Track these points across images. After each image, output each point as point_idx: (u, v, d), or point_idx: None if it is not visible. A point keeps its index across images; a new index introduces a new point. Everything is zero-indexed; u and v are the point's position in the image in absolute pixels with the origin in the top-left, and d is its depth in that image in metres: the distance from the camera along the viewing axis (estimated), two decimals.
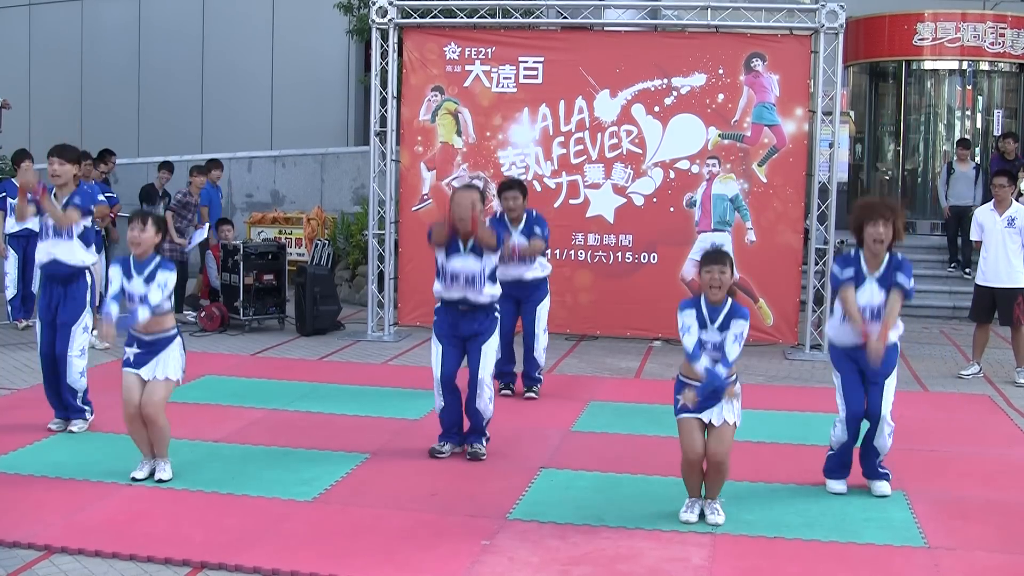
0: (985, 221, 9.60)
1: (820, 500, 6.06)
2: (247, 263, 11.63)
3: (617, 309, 11.05)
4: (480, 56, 11.16)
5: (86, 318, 7.18)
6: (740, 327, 5.56)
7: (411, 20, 11.30)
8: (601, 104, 11.00)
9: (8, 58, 22.72)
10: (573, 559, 5.14)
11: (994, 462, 6.95)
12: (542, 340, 8.49)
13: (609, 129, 11.00)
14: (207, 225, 12.34)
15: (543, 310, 8.48)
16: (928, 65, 15.80)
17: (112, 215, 12.12)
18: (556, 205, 11.10)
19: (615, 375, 9.68)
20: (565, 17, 11.79)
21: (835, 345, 6.15)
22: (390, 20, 11.19)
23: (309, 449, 6.91)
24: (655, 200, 10.96)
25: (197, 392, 8.35)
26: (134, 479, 6.11)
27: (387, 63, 11.23)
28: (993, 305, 9.65)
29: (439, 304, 6.86)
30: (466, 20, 11.23)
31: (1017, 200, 9.83)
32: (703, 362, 5.52)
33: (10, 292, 11.43)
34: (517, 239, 8.17)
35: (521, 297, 8.31)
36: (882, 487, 6.13)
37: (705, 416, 5.59)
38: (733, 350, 5.55)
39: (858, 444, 6.13)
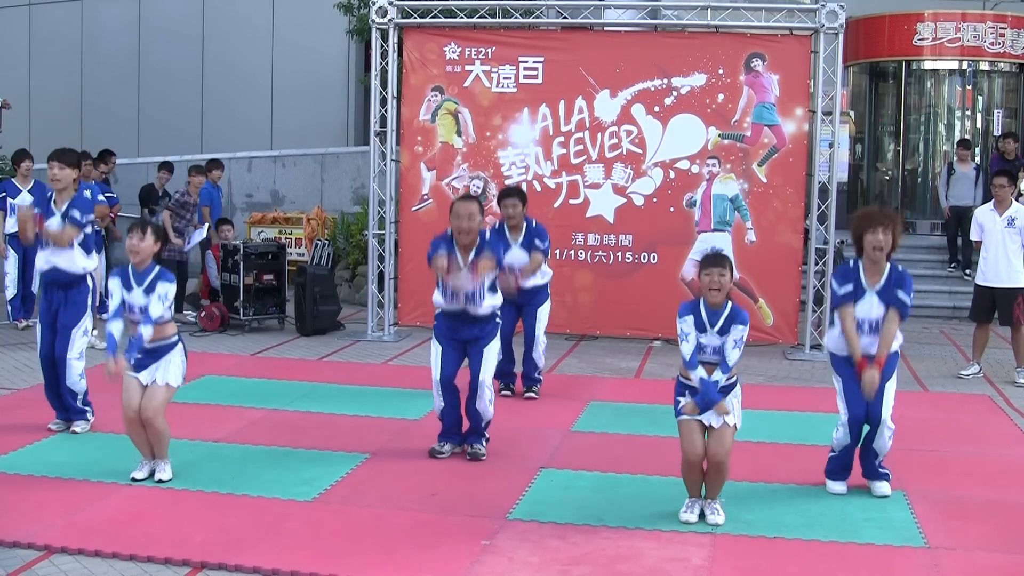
0: (985, 221, 9.60)
1: (820, 500, 6.06)
2: (247, 263, 11.63)
3: (617, 309, 11.05)
4: (480, 56, 11.16)
5: (86, 321, 7.20)
6: (740, 332, 5.57)
7: (411, 20, 11.31)
8: (601, 104, 11.00)
9: (8, 58, 22.72)
10: (573, 559, 5.14)
11: (994, 462, 6.95)
12: (542, 342, 8.50)
13: (609, 129, 11.00)
14: (206, 225, 12.33)
15: (543, 312, 8.49)
16: (928, 65, 15.80)
17: (112, 215, 12.12)
18: (556, 205, 11.10)
19: (615, 375, 9.68)
20: (565, 17, 11.79)
21: (835, 353, 6.16)
22: (390, 20, 11.19)
23: (309, 449, 6.91)
24: (655, 200, 10.96)
25: (197, 392, 8.35)
26: (134, 479, 6.12)
27: (387, 63, 11.23)
28: (993, 305, 9.65)
29: (439, 311, 6.86)
30: (466, 20, 11.23)
31: (1017, 200, 9.83)
32: (699, 372, 5.56)
33: (10, 292, 11.43)
34: (517, 253, 8.15)
35: (522, 302, 8.34)
36: (882, 487, 6.13)
37: (705, 418, 5.60)
38: (733, 355, 5.56)
39: (859, 445, 6.14)
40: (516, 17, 11.44)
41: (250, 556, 5.07)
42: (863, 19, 15.63)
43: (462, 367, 6.81)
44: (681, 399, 5.66)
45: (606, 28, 12.15)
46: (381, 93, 11.34)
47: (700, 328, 5.60)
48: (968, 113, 16.06)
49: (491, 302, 6.73)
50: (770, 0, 11.43)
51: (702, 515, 5.66)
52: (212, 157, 14.29)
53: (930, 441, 7.38)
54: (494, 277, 6.73)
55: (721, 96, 10.80)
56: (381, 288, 11.43)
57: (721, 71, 10.77)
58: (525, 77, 11.13)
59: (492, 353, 6.77)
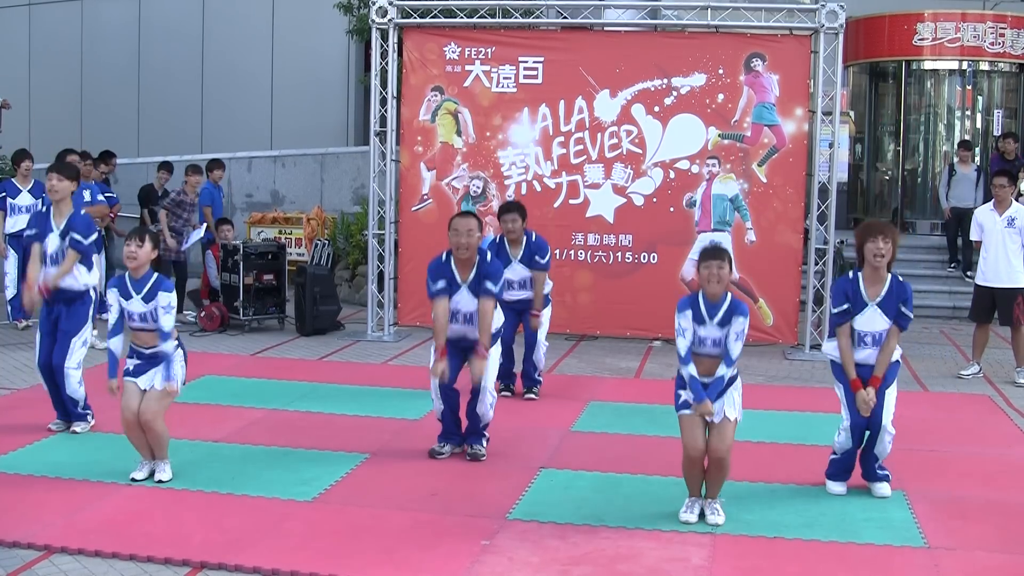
0: (985, 221, 9.60)
1: (820, 500, 6.06)
2: (247, 263, 11.63)
3: (617, 309, 11.05)
4: (480, 56, 11.16)
5: (86, 332, 7.23)
6: (741, 324, 5.57)
7: (411, 20, 11.31)
8: (601, 104, 11.00)
9: (8, 58, 22.72)
10: (573, 559, 5.14)
11: (994, 462, 6.95)
12: (543, 345, 8.52)
13: (609, 129, 11.00)
14: (204, 225, 12.33)
15: (544, 317, 8.50)
16: (928, 65, 15.79)
17: (112, 215, 12.12)
18: (556, 205, 11.10)
19: (615, 375, 9.68)
20: (565, 17, 11.79)
21: (836, 361, 6.17)
22: (390, 20, 11.19)
23: (309, 449, 6.91)
24: (655, 200, 10.96)
25: (197, 392, 8.34)
26: (133, 480, 6.12)
27: (387, 63, 11.23)
28: (993, 305, 9.64)
29: None
30: (466, 20, 11.23)
31: (1017, 200, 9.83)
32: (691, 369, 5.57)
33: (10, 292, 11.43)
34: (517, 267, 8.20)
35: (523, 309, 8.37)
36: (882, 488, 6.13)
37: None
38: (736, 348, 5.57)
39: (860, 448, 6.14)
40: (516, 17, 11.44)
41: (250, 556, 5.07)
42: (863, 19, 15.63)
43: (463, 369, 6.81)
44: (682, 392, 5.66)
45: (606, 28, 12.15)
46: (381, 93, 11.34)
47: (699, 320, 5.60)
48: (968, 113, 16.05)
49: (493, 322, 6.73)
50: (770, 0, 11.43)
51: (702, 515, 5.66)
52: (213, 157, 14.29)
53: (930, 441, 7.38)
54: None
55: (721, 96, 10.79)
56: (381, 288, 11.43)
57: (721, 71, 10.77)
58: (525, 77, 11.13)
59: (493, 359, 6.77)
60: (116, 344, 6.22)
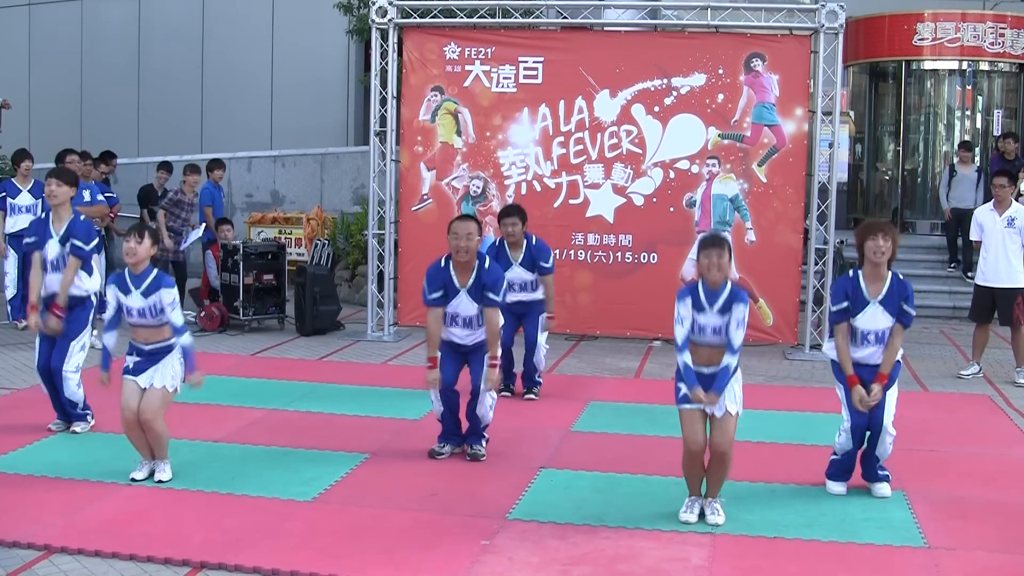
0: (985, 221, 9.60)
1: (820, 500, 6.06)
2: (247, 263, 11.63)
3: (617, 309, 11.05)
4: (480, 56, 11.16)
5: (85, 336, 7.24)
6: (741, 312, 5.57)
7: (411, 20, 11.31)
8: (601, 104, 11.00)
9: (8, 58, 22.72)
10: (573, 559, 5.14)
11: (994, 462, 6.95)
12: (542, 347, 8.53)
13: (609, 129, 11.00)
14: (203, 225, 12.33)
15: (544, 319, 8.50)
16: (928, 65, 15.79)
17: (112, 215, 12.12)
18: (556, 205, 11.10)
19: (615, 375, 9.68)
20: (565, 17, 11.79)
21: (836, 361, 6.16)
22: (390, 20, 11.20)
23: (309, 449, 6.91)
24: (655, 200, 10.96)
25: (197, 392, 8.32)
26: (133, 480, 6.12)
27: (387, 63, 11.24)
28: (993, 305, 9.64)
29: None
30: (466, 20, 11.23)
31: (1017, 200, 9.83)
32: (686, 357, 5.58)
33: (10, 292, 11.43)
34: (517, 270, 8.21)
35: (523, 312, 8.38)
36: (882, 489, 6.13)
37: (709, 407, 5.60)
38: (738, 336, 5.57)
39: (861, 448, 6.14)
40: (516, 17, 11.44)
41: (250, 556, 5.07)
42: (863, 19, 15.63)
43: (462, 371, 6.80)
44: (681, 386, 5.65)
45: (606, 28, 12.15)
46: (381, 93, 11.34)
47: (699, 308, 5.60)
48: (968, 113, 16.05)
49: None
50: (770, 0, 11.43)
51: (702, 515, 5.66)
52: (213, 157, 14.30)
53: (930, 441, 7.38)
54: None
55: (721, 96, 10.80)
56: (381, 288, 11.43)
57: (721, 71, 10.77)
58: (525, 77, 11.13)
59: None
60: (110, 339, 6.25)
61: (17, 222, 10.87)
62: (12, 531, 5.31)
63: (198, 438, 7.04)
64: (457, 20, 11.27)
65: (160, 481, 6.11)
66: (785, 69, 10.69)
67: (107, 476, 6.19)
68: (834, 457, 6.23)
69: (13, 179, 11.39)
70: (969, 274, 13.19)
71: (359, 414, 7.88)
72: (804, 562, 5.19)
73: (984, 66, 15.58)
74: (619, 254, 11.06)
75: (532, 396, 8.52)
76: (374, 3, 11.22)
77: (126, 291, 6.13)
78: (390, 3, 11.15)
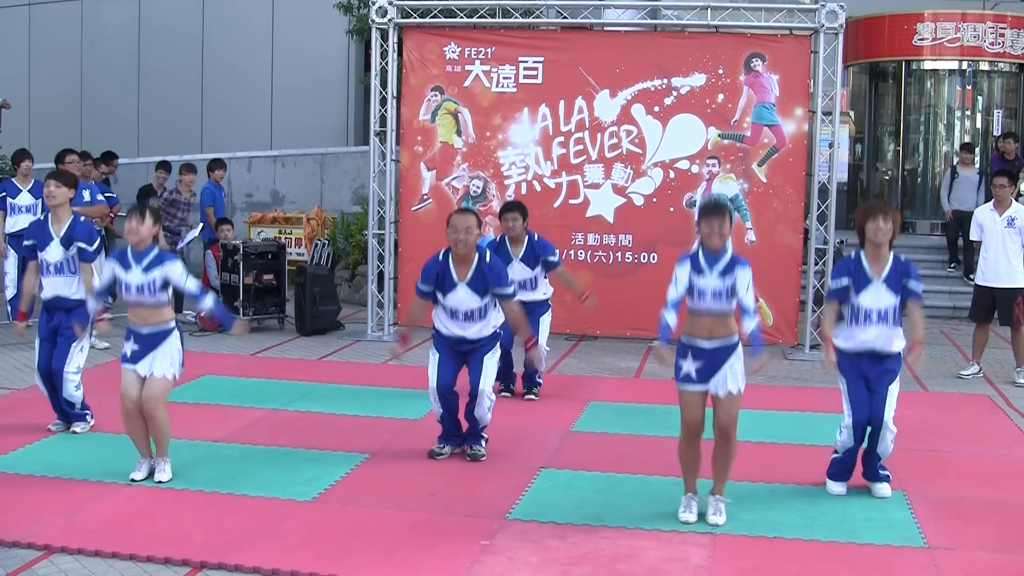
0: (985, 221, 9.60)
1: (820, 500, 6.06)
2: (247, 263, 11.63)
3: (617, 309, 11.04)
4: (480, 56, 11.16)
5: (85, 338, 7.22)
6: (746, 275, 5.58)
7: (411, 20, 11.31)
8: (601, 104, 11.00)
9: (8, 58, 22.72)
10: (573, 559, 5.14)
11: (994, 462, 6.95)
12: (543, 348, 8.50)
13: (609, 129, 11.00)
14: (201, 225, 12.32)
15: (545, 321, 8.48)
16: (928, 65, 15.80)
17: (112, 215, 12.12)
18: (556, 205, 11.10)
19: (615, 375, 9.68)
20: (565, 17, 11.79)
21: (841, 351, 6.14)
22: (390, 20, 11.20)
23: (309, 449, 6.91)
24: (655, 200, 10.96)
25: (197, 392, 8.35)
26: (133, 480, 6.11)
27: (387, 63, 11.24)
28: (993, 305, 9.64)
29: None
30: (466, 20, 11.23)
31: (1017, 200, 9.83)
32: (671, 316, 5.60)
33: (10, 292, 11.41)
34: (518, 267, 8.19)
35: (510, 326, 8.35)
36: (883, 489, 6.13)
37: (710, 387, 5.60)
38: (749, 298, 5.58)
39: (862, 447, 6.13)
40: (516, 17, 11.44)
41: (250, 556, 5.07)
42: (863, 19, 15.63)
43: (461, 371, 6.79)
44: (683, 364, 5.64)
45: (606, 28, 12.15)
46: (381, 93, 11.34)
47: (698, 270, 5.59)
48: (968, 113, 16.06)
49: (494, 321, 6.70)
50: (770, 0, 11.43)
51: (701, 515, 5.65)
52: (214, 157, 14.30)
53: (930, 441, 7.38)
54: (495, 299, 6.67)
55: (721, 96, 10.80)
56: (381, 288, 11.43)
57: (721, 71, 10.77)
58: (525, 77, 11.13)
59: (492, 362, 6.73)
60: (90, 303, 6.41)
61: (17, 222, 10.86)
62: (12, 531, 5.31)
63: (198, 438, 7.03)
64: (457, 20, 11.27)
65: (160, 481, 6.11)
66: (785, 69, 10.69)
67: (107, 476, 6.19)
68: (835, 456, 6.22)
69: (13, 179, 11.38)
70: (970, 276, 13.19)
71: (359, 414, 7.88)
72: (804, 562, 5.19)
73: (984, 66, 15.59)
74: (619, 254, 11.06)
75: (532, 396, 8.51)
76: (374, 3, 11.22)
77: (126, 266, 6.11)
78: (390, 3, 11.16)
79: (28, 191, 11.21)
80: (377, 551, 5.21)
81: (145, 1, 21.99)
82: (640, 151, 10.96)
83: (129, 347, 6.14)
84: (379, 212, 11.43)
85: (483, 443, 6.82)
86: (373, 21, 11.26)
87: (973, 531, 5.61)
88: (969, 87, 15.85)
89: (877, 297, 5.96)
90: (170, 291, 6.24)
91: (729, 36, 10.94)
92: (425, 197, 11.32)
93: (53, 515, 5.56)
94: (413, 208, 11.34)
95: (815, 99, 10.63)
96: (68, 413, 7.21)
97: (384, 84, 11.29)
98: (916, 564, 5.18)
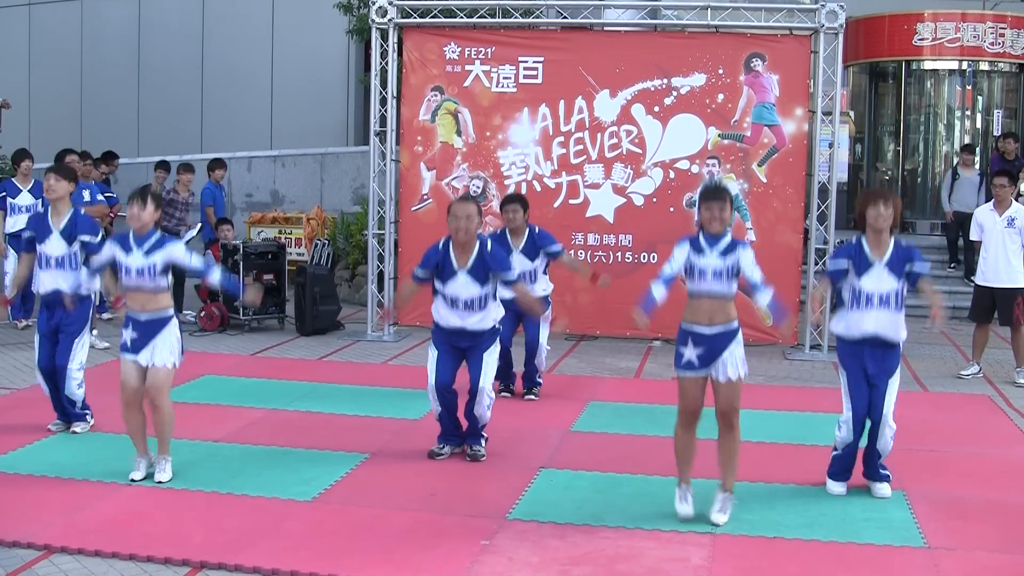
0: (985, 221, 9.59)
1: (820, 500, 6.06)
2: (247, 263, 11.63)
3: (617, 309, 11.01)
4: (480, 56, 11.16)
5: (86, 334, 7.22)
6: (749, 254, 5.61)
7: (411, 20, 11.31)
8: (601, 104, 11.00)
9: (8, 58, 22.73)
10: (573, 559, 5.14)
11: (994, 462, 6.95)
12: (544, 349, 8.51)
13: (609, 129, 11.00)
14: (199, 225, 12.32)
15: (545, 321, 8.48)
16: (928, 65, 15.80)
17: (112, 215, 12.12)
18: (556, 205, 11.10)
19: (615, 375, 9.68)
20: (565, 17, 11.79)
21: (843, 340, 6.10)
22: (390, 20, 11.20)
23: (309, 449, 6.91)
24: (655, 200, 10.97)
25: (197, 392, 8.35)
26: (133, 480, 6.11)
27: (387, 63, 11.24)
28: (993, 305, 9.64)
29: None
30: (466, 20, 11.24)
31: (1017, 200, 9.83)
32: (658, 289, 5.67)
33: (10, 292, 11.40)
34: (518, 258, 8.17)
35: (523, 310, 8.31)
36: (883, 489, 6.12)
37: (712, 373, 5.60)
38: (757, 274, 5.61)
39: (862, 444, 6.13)
40: (516, 17, 11.44)
41: (250, 556, 5.07)
42: (863, 19, 15.63)
43: (461, 369, 6.78)
44: (683, 351, 5.64)
45: (606, 28, 12.15)
46: (381, 93, 11.34)
47: (698, 250, 5.60)
48: (968, 113, 16.06)
49: (494, 314, 6.67)
50: (770, 0, 11.43)
51: (700, 514, 5.64)
52: (214, 157, 14.30)
53: (930, 441, 7.38)
54: (495, 287, 6.67)
55: (721, 96, 10.80)
56: (381, 288, 11.43)
57: (721, 71, 10.78)
58: (525, 77, 11.13)
59: (492, 359, 6.71)
60: (85, 277, 6.59)
61: (17, 222, 10.87)
62: (12, 531, 5.31)
63: (198, 438, 7.03)
64: (457, 20, 11.27)
65: (160, 482, 6.11)
66: (785, 69, 10.69)
67: (107, 476, 6.19)
68: (835, 453, 6.20)
69: (13, 179, 11.39)
70: (970, 278, 13.18)
71: (359, 414, 7.88)
72: (804, 562, 5.19)
73: (984, 66, 15.59)
74: (619, 254, 11.07)
75: (532, 397, 8.51)
76: (374, 3, 11.22)
77: (127, 249, 6.12)
78: (390, 3, 11.16)
79: (28, 191, 11.23)
80: (377, 551, 5.21)
81: (145, 1, 22.00)
82: (640, 151, 10.97)
83: (128, 335, 6.13)
84: (379, 212, 11.43)
85: (483, 443, 6.82)
86: (373, 21, 11.26)
87: (973, 531, 5.61)
88: (969, 87, 15.84)
89: (879, 280, 5.92)
90: (169, 277, 6.24)
91: (729, 36, 10.95)
92: (425, 197, 11.32)
93: (53, 515, 5.56)
94: (413, 208, 11.34)
95: (815, 99, 10.63)
96: (68, 412, 7.20)
97: (384, 84, 11.29)
98: (916, 564, 5.18)
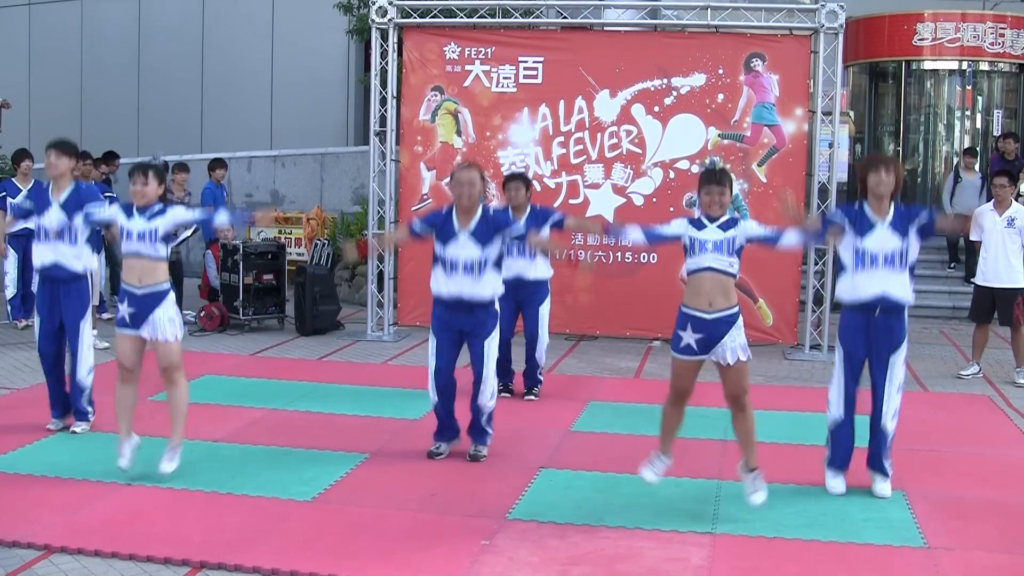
0: (985, 221, 9.59)
1: (820, 500, 6.06)
2: (247, 263, 11.63)
3: (617, 309, 11.05)
4: (480, 56, 11.16)
5: (88, 312, 7.18)
6: (751, 222, 5.80)
7: (411, 20, 11.31)
8: (601, 104, 11.00)
9: (8, 58, 22.73)
10: (573, 559, 5.14)
11: (994, 462, 6.95)
12: (544, 340, 8.48)
13: (609, 129, 11.00)
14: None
15: (544, 311, 8.46)
16: (928, 65, 15.81)
17: None
18: (556, 205, 11.08)
19: (615, 375, 9.68)
20: (565, 17, 11.79)
21: (849, 308, 6.01)
22: (390, 20, 11.20)
23: (309, 449, 6.91)
24: (655, 200, 10.97)
25: (197, 392, 8.29)
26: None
27: (387, 63, 11.24)
28: (993, 305, 9.64)
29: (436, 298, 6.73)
30: (466, 20, 11.24)
31: (1017, 200, 9.83)
32: (635, 229, 5.84)
33: (10, 292, 11.43)
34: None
35: (521, 299, 8.29)
36: (883, 488, 6.10)
37: (720, 357, 5.62)
38: (765, 228, 5.79)
39: (861, 445, 6.13)
40: (516, 17, 11.44)
41: (250, 556, 5.07)
42: (863, 19, 15.64)
43: (463, 365, 6.78)
44: (682, 334, 5.63)
45: (606, 28, 12.16)
46: (381, 93, 11.35)
47: (698, 226, 5.63)
48: (968, 113, 16.07)
49: (493, 282, 6.55)
50: (770, 0, 11.44)
51: (699, 514, 5.65)
52: (214, 157, 14.30)
53: (930, 441, 7.38)
54: (499, 254, 6.60)
55: (721, 96, 10.80)
56: (381, 288, 11.43)
57: (721, 71, 10.78)
58: (525, 77, 11.14)
59: (493, 347, 6.67)
60: (80, 222, 6.71)
61: (17, 222, 10.86)
62: (12, 531, 5.30)
63: (198, 438, 7.01)
64: (457, 20, 11.28)
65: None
66: (785, 69, 10.69)
67: (107, 476, 6.18)
68: (830, 439, 6.14)
69: (13, 179, 11.39)
70: (971, 280, 13.18)
71: (359, 414, 7.88)
72: (804, 562, 5.18)
73: (984, 66, 15.60)
74: (619, 254, 11.07)
75: (532, 397, 8.50)
76: (374, 3, 11.22)
77: (129, 215, 6.14)
78: (390, 3, 11.16)
79: (28, 191, 11.21)
80: (377, 551, 5.20)
81: (145, 1, 22.01)
82: (640, 151, 10.97)
83: (125, 310, 6.08)
84: (379, 212, 11.43)
85: (487, 440, 6.77)
86: (373, 21, 11.27)
87: (973, 531, 5.61)
88: (969, 87, 15.85)
89: (883, 241, 5.87)
90: (168, 249, 6.22)
91: (729, 36, 10.95)
92: (425, 197, 11.32)
93: (53, 515, 5.56)
94: (413, 208, 11.34)
95: (815, 99, 10.64)
96: (73, 404, 7.11)
97: (384, 84, 11.29)
98: (916, 564, 5.18)
